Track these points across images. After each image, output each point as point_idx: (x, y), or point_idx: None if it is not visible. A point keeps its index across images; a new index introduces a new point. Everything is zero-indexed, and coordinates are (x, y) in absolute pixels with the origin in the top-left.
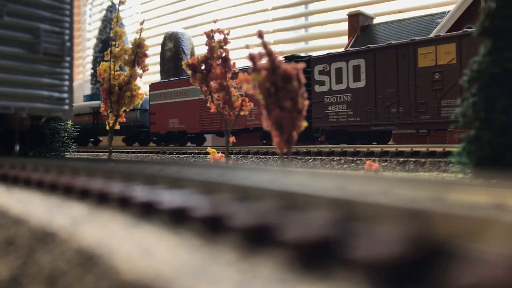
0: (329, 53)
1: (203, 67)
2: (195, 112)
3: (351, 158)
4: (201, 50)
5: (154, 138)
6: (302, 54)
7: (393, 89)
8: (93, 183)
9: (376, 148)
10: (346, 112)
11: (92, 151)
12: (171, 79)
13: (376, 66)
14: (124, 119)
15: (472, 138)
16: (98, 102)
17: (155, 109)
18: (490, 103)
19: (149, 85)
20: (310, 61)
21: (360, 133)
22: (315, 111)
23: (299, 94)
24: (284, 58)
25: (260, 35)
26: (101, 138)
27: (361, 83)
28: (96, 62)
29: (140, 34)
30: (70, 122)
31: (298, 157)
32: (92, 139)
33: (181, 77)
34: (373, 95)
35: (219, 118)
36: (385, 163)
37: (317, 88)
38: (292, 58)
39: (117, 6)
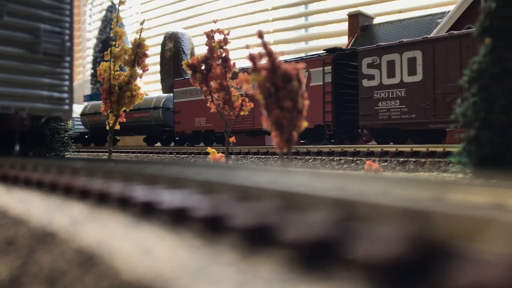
0: (380, 45)
1: (203, 67)
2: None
3: (351, 158)
4: (201, 50)
5: (177, 138)
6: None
7: (455, 84)
8: (93, 183)
9: (376, 148)
10: (400, 109)
11: (92, 151)
12: None
13: (436, 58)
14: (124, 119)
15: (472, 138)
16: None
17: (180, 107)
18: (490, 103)
19: (173, 82)
20: (358, 54)
21: (414, 132)
22: (363, 108)
23: (299, 94)
24: (325, 51)
25: (260, 35)
26: (118, 138)
27: (417, 77)
28: (96, 62)
29: (140, 34)
30: (70, 122)
31: (298, 157)
32: None
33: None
34: (432, 90)
35: (251, 117)
36: (385, 163)
37: (366, 83)
38: (333, 50)
39: (117, 6)
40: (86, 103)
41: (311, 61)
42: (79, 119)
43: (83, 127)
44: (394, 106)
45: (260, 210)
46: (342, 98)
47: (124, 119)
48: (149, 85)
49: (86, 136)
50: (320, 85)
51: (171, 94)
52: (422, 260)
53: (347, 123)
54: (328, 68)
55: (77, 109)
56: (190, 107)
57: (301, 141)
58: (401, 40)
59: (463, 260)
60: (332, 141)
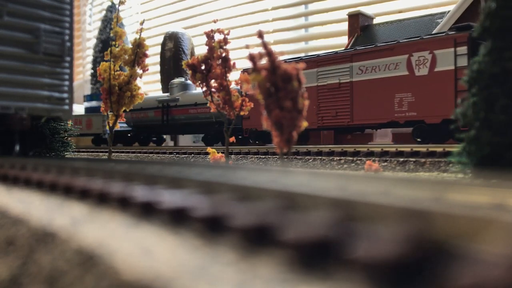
0: None
1: (203, 67)
2: (312, 102)
3: (351, 158)
4: (201, 50)
5: (240, 137)
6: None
7: None
8: (93, 183)
9: (376, 148)
10: None
11: (92, 151)
12: None
13: None
14: (124, 119)
15: (472, 138)
16: (167, 94)
17: (250, 100)
18: (490, 103)
19: (241, 72)
20: None
21: None
22: None
23: (299, 94)
24: (454, 29)
25: (260, 35)
26: (164, 137)
27: None
28: (96, 62)
29: (140, 34)
30: (70, 122)
31: (298, 157)
32: (154, 138)
33: (288, 60)
34: None
35: (349, 110)
36: (385, 163)
37: None
38: (467, 27)
39: (117, 6)
40: None
41: (435, 41)
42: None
43: (125, 124)
44: None
45: (260, 210)
46: None
47: (124, 119)
48: (149, 85)
49: (129, 135)
50: (451, 70)
51: (236, 87)
52: (422, 260)
53: None
54: (463, 49)
55: (77, 109)
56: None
57: (418, 139)
58: None
59: (463, 260)
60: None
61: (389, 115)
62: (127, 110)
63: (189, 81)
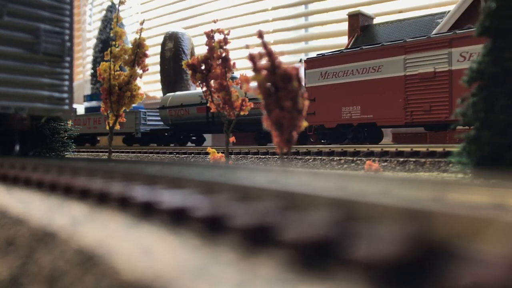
0: None
1: (203, 67)
2: (397, 94)
3: (351, 158)
4: (201, 50)
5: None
6: None
7: None
8: (93, 183)
9: (376, 148)
10: None
11: (92, 151)
12: (344, 50)
13: None
14: (124, 119)
15: (472, 138)
16: None
17: (316, 93)
18: (490, 103)
19: (305, 61)
20: None
21: None
22: None
23: (299, 94)
24: None
25: (260, 35)
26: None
27: None
28: (96, 62)
29: (140, 34)
30: (70, 122)
31: (298, 157)
32: (194, 137)
33: (366, 47)
34: None
35: (447, 104)
36: (385, 163)
37: None
38: None
39: (117, 6)
40: (169, 94)
41: None
42: (154, 113)
43: (161, 122)
44: None
45: (260, 210)
46: None
47: (124, 119)
48: (149, 85)
49: (166, 134)
50: None
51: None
52: (422, 260)
53: None
54: None
55: (77, 109)
56: (334, 92)
57: None
58: None
59: (463, 260)
60: None
61: None
62: (127, 110)
63: (236, 74)
